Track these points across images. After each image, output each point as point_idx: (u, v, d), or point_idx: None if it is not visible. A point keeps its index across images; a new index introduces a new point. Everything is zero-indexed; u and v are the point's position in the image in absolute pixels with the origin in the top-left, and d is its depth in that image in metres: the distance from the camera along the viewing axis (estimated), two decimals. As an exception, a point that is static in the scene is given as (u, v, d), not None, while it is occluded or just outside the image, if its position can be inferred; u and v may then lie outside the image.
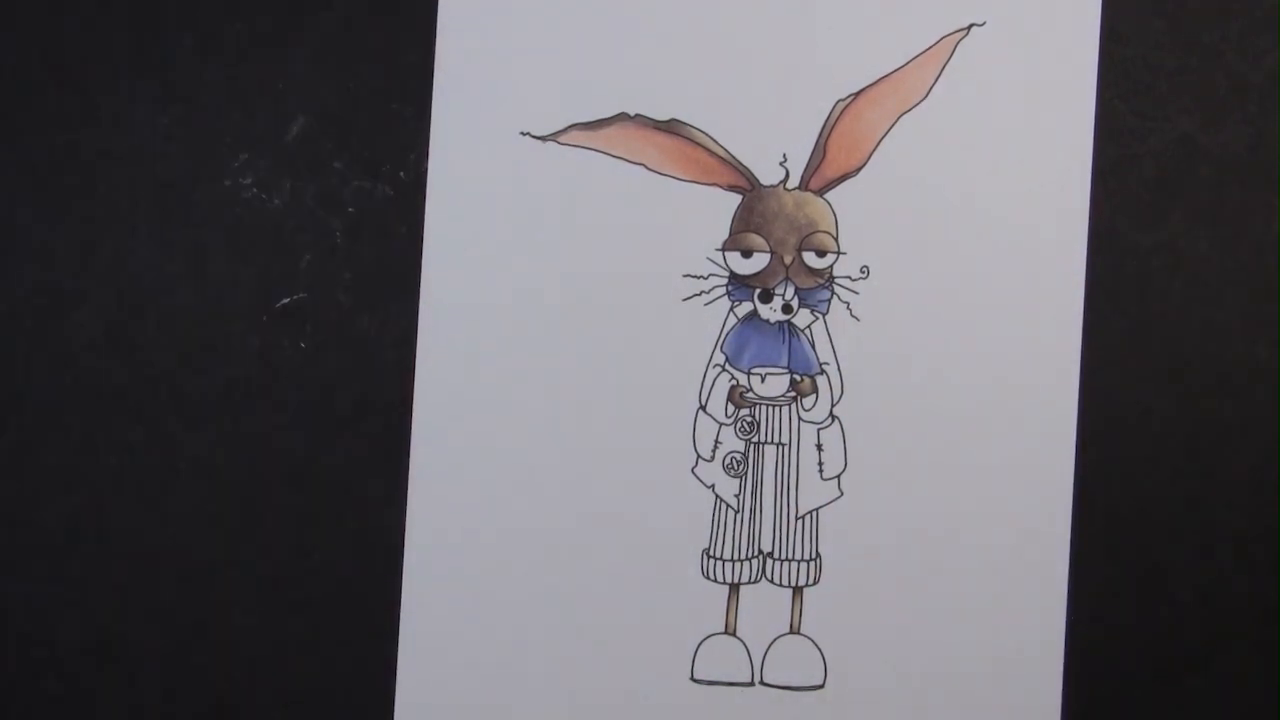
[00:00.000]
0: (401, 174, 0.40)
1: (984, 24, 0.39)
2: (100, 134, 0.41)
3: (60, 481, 0.40)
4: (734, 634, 0.39)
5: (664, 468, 0.39)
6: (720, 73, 0.39)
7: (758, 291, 0.39)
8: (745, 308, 0.39)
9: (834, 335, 0.39)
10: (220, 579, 0.39)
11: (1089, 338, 0.39)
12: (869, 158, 0.39)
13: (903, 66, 0.39)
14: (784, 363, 0.39)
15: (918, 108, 0.39)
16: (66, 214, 0.41)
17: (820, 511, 0.39)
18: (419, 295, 0.40)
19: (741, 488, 0.39)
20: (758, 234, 0.39)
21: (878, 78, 0.39)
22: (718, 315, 0.39)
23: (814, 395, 0.39)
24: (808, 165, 0.39)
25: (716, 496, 0.39)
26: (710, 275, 0.39)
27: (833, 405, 0.39)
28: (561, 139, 0.40)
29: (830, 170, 0.39)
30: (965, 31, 0.39)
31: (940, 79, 0.39)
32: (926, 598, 0.39)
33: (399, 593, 0.40)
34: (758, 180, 0.39)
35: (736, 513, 0.39)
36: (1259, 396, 0.39)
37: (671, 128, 0.40)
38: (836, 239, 0.39)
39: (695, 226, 0.39)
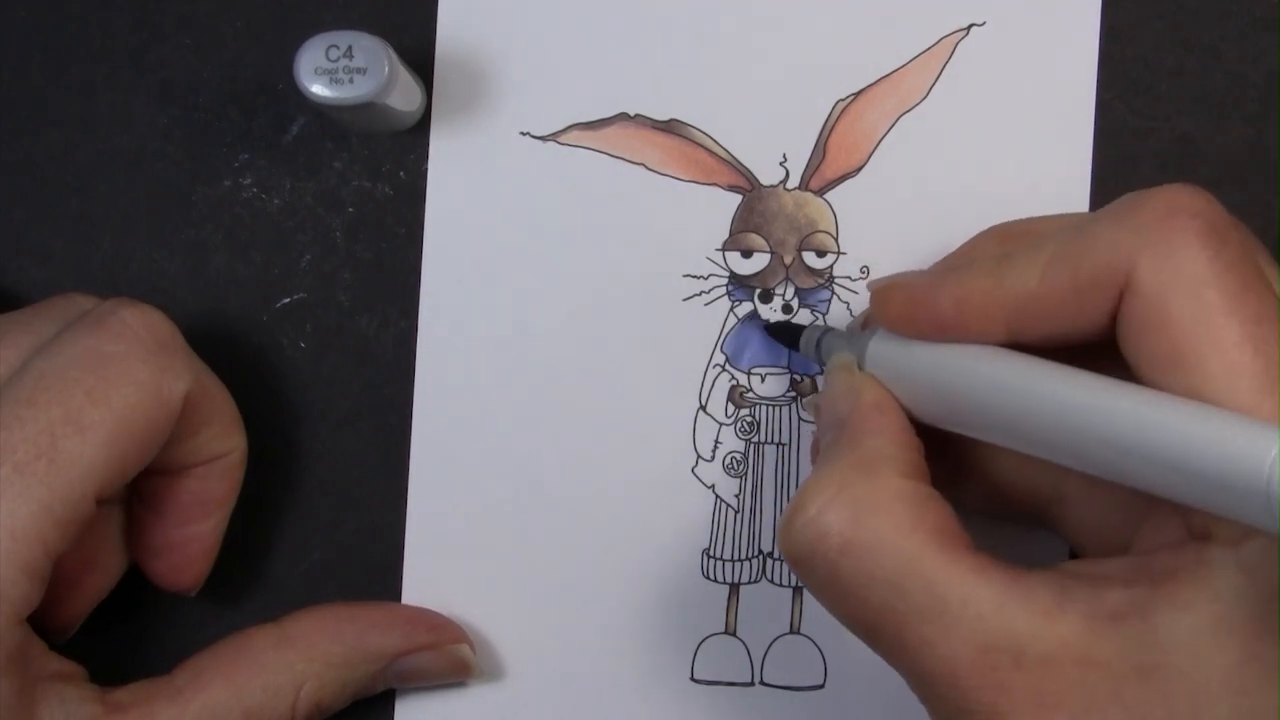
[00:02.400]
0: (401, 174, 0.40)
1: (984, 24, 0.39)
2: (100, 134, 0.41)
3: (60, 481, 0.40)
4: (734, 634, 0.39)
5: (664, 468, 0.39)
6: (720, 73, 0.39)
7: (758, 291, 0.39)
8: (745, 308, 0.39)
9: (834, 335, 0.39)
10: (220, 579, 0.39)
11: (1089, 338, 0.39)
12: (869, 158, 0.39)
13: (903, 66, 0.39)
14: (784, 363, 0.39)
15: (918, 108, 0.39)
16: (66, 214, 0.41)
17: (820, 511, 0.39)
18: (419, 295, 0.40)
19: (741, 488, 0.39)
20: (758, 234, 0.39)
21: (878, 78, 0.39)
22: (718, 315, 0.39)
23: (814, 395, 0.39)
24: (808, 165, 0.39)
25: (716, 496, 0.39)
26: (710, 275, 0.39)
27: (833, 405, 0.39)
28: (561, 139, 0.40)
29: (830, 170, 0.39)
30: (965, 31, 0.39)
31: (940, 79, 0.39)
32: (926, 598, 0.39)
33: (399, 593, 0.39)
34: (758, 180, 0.39)
35: (737, 513, 0.39)
36: (1259, 396, 0.39)
37: (671, 128, 0.40)
38: (836, 239, 0.39)
39: (695, 226, 0.39)
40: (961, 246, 0.36)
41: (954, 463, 0.34)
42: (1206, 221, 0.28)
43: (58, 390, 0.32)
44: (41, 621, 0.35)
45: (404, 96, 0.37)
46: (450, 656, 0.38)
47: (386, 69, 0.35)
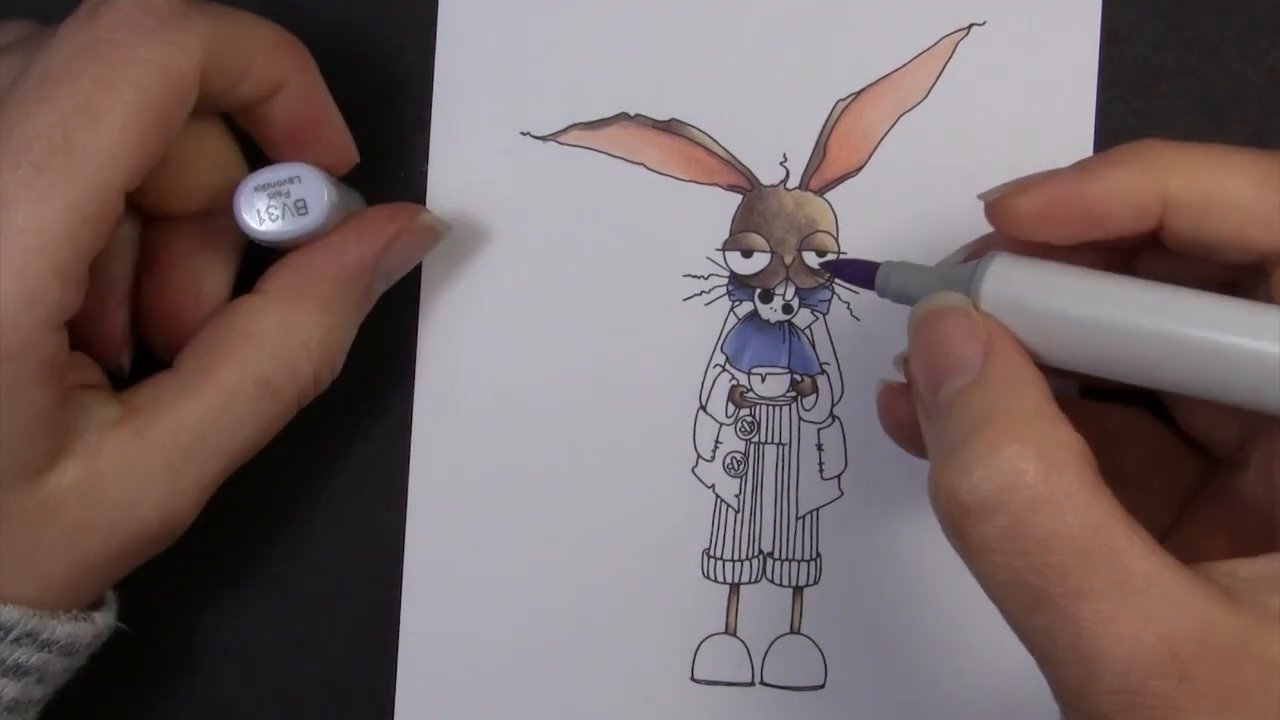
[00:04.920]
0: (401, 174, 0.40)
1: (984, 24, 0.39)
2: (100, 134, 0.41)
3: (60, 481, 0.40)
4: (734, 634, 0.39)
5: (664, 468, 0.39)
6: (720, 73, 0.39)
7: (758, 291, 0.39)
8: (745, 308, 0.39)
9: (834, 335, 0.39)
10: (220, 579, 0.39)
11: (1089, 338, 0.39)
12: (869, 158, 0.39)
13: (903, 66, 0.39)
14: (784, 363, 0.39)
15: (918, 108, 0.39)
16: (66, 214, 0.41)
17: (820, 511, 0.39)
18: (419, 295, 0.40)
19: (742, 488, 0.39)
20: (758, 234, 0.39)
21: (878, 78, 0.39)
22: (718, 315, 0.39)
23: (814, 395, 0.39)
24: (808, 165, 0.39)
25: (716, 496, 0.39)
26: (710, 275, 0.39)
27: (833, 405, 0.39)
28: (561, 139, 0.40)
29: (830, 170, 0.39)
30: (965, 31, 0.39)
31: (940, 79, 0.39)
32: (927, 597, 0.39)
33: (399, 593, 0.39)
34: (758, 180, 0.39)
35: (737, 513, 0.39)
36: (1259, 396, 0.39)
37: (671, 128, 0.40)
38: (837, 239, 0.39)
39: (695, 226, 0.39)
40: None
41: None
42: None
43: (65, 84, 0.31)
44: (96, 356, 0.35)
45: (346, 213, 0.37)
46: (419, 231, 0.37)
47: (326, 199, 0.35)
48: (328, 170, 0.36)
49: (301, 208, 0.35)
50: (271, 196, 0.35)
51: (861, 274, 0.33)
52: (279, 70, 0.35)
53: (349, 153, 0.37)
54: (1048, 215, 0.30)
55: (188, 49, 0.33)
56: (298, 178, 0.35)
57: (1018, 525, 0.27)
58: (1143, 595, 0.26)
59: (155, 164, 0.32)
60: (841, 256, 0.39)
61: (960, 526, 0.28)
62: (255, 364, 0.34)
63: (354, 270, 0.36)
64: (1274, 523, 0.30)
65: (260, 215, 0.35)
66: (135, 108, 0.31)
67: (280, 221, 0.35)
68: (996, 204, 0.31)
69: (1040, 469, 0.27)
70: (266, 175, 0.35)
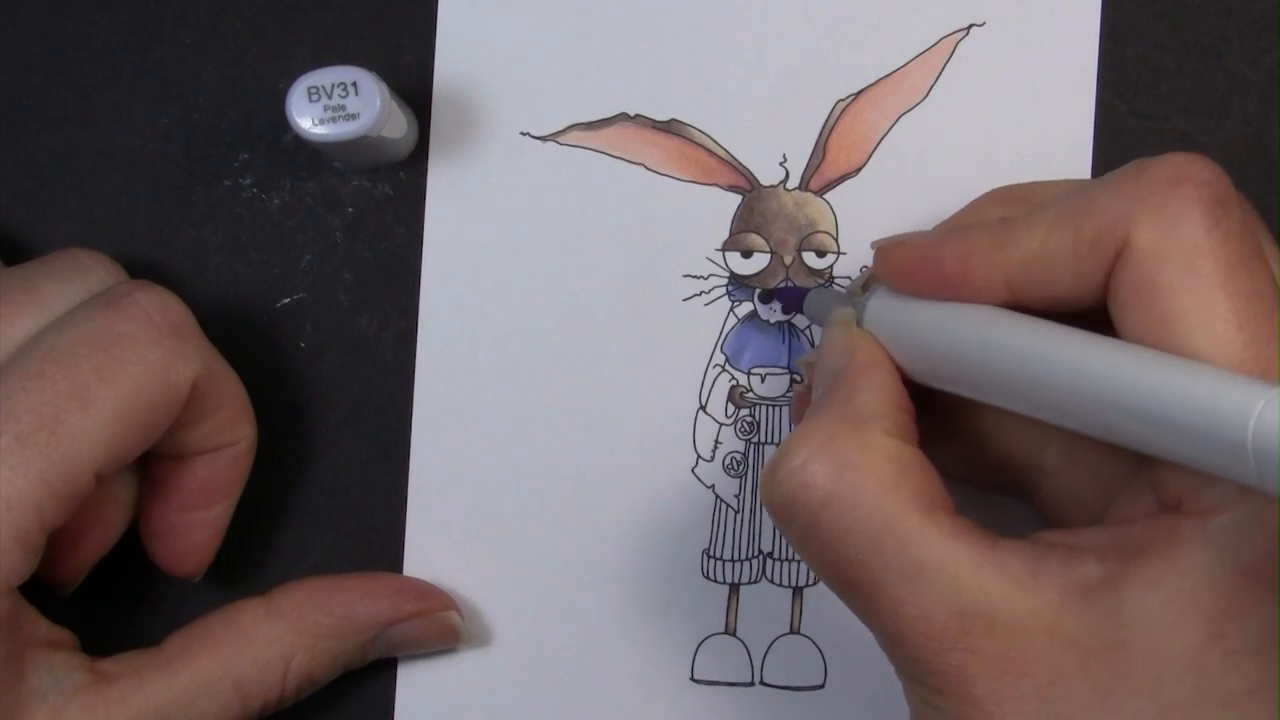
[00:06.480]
0: (401, 174, 0.40)
1: (984, 24, 0.39)
2: (100, 134, 0.41)
3: (60, 481, 0.40)
4: (734, 634, 0.39)
5: (664, 468, 0.39)
6: (720, 73, 0.39)
7: (758, 292, 0.39)
8: (745, 308, 0.39)
9: (834, 335, 0.39)
10: (220, 578, 0.39)
11: (1089, 338, 0.39)
12: (869, 158, 0.39)
13: (903, 66, 0.39)
14: (784, 363, 0.39)
15: (918, 108, 0.39)
16: (66, 214, 0.41)
17: (820, 511, 0.39)
18: (419, 295, 0.40)
19: (741, 488, 0.39)
20: (758, 234, 0.39)
21: (878, 78, 0.39)
22: (718, 315, 0.39)
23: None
24: (808, 165, 0.39)
25: (716, 497, 0.39)
26: (710, 275, 0.39)
27: (833, 405, 0.39)
28: (561, 139, 0.40)
29: (830, 170, 0.39)
30: (965, 31, 0.39)
31: (940, 79, 0.39)
32: (926, 598, 0.39)
33: (399, 593, 0.39)
34: (758, 180, 0.39)
35: (736, 513, 0.39)
36: (1259, 396, 0.39)
37: (671, 128, 0.40)
38: (836, 239, 0.39)
39: (695, 226, 0.39)
40: (964, 208, 0.36)
41: (936, 427, 0.34)
42: (1211, 192, 0.28)
43: (66, 365, 0.32)
44: (43, 577, 0.35)
45: (396, 127, 0.37)
46: (439, 624, 0.38)
47: (379, 101, 0.35)
48: (173, 570, 0.38)
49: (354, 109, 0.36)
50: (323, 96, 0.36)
51: (795, 301, 0.38)
52: (232, 433, 0.37)
53: (202, 561, 0.38)
54: (911, 273, 0.32)
55: (190, 362, 0.34)
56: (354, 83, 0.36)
57: (814, 523, 0.30)
58: (933, 581, 0.29)
59: (133, 454, 0.34)
60: (789, 285, 0.39)
61: (778, 525, 0.31)
62: (236, 665, 0.35)
63: (359, 623, 0.37)
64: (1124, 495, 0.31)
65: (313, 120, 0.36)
66: (126, 402, 0.33)
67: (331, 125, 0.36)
68: (878, 254, 0.33)
69: (831, 470, 0.30)
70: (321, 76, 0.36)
